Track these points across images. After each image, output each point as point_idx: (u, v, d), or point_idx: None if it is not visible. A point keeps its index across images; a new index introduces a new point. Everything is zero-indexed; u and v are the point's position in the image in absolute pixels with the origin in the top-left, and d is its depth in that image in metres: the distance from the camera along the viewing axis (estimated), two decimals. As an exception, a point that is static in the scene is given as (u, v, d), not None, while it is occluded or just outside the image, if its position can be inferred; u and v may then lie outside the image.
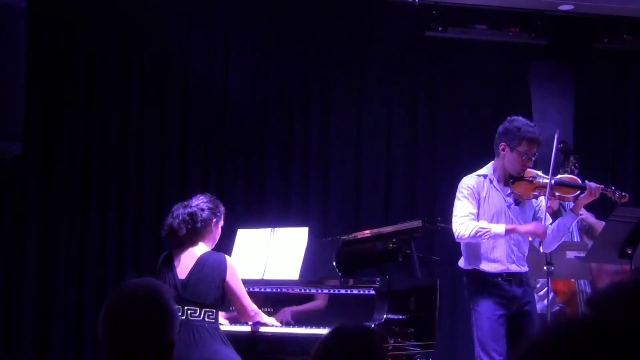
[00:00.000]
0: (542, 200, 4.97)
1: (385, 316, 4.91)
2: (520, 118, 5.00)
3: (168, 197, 7.05)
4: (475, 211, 4.89)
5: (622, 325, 1.08)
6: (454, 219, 4.91)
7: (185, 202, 4.90)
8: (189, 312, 4.71)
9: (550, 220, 5.07)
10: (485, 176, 4.98)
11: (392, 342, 4.92)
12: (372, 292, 4.99)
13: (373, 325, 4.78)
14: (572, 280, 6.04)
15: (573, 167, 6.13)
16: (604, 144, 8.13)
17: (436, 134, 7.84)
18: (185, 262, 4.83)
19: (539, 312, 5.35)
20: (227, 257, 4.87)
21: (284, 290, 5.30)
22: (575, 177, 5.37)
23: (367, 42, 7.74)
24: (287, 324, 5.16)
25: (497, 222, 4.89)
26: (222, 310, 5.04)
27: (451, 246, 5.31)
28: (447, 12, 7.51)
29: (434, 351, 5.26)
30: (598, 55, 7.98)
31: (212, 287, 4.75)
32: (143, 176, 7.15)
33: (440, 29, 7.51)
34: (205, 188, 6.14)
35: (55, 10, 6.96)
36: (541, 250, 5.18)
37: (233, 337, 4.88)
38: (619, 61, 8.05)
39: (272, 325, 5.04)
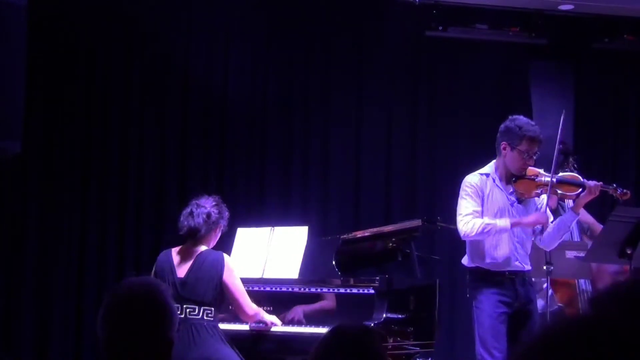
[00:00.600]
0: (544, 197, 4.96)
1: (384, 315, 4.91)
2: (521, 117, 5.00)
3: (168, 197, 7.07)
4: (479, 209, 4.88)
5: (622, 324, 1.08)
6: (458, 218, 4.90)
7: (196, 202, 4.91)
8: (187, 310, 4.72)
9: (552, 218, 5.06)
10: (487, 175, 4.97)
11: (391, 341, 4.92)
12: (372, 291, 4.99)
13: (372, 325, 4.78)
14: (573, 280, 6.03)
15: (572, 168, 6.13)
16: (604, 144, 8.12)
17: (436, 133, 7.83)
18: (184, 261, 4.84)
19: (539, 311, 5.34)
20: (225, 255, 4.88)
21: (283, 289, 5.30)
22: (576, 175, 5.35)
23: (367, 41, 7.73)
24: (299, 323, 5.15)
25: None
26: (223, 309, 5.03)
27: (451, 245, 5.32)
28: (448, 12, 7.50)
29: (433, 350, 5.26)
30: (598, 55, 7.97)
31: (210, 286, 4.75)
32: (143, 176, 7.14)
33: (440, 28, 7.50)
34: (205, 188, 6.14)
35: (55, 8, 6.95)
36: (539, 245, 5.12)
37: (235, 336, 4.88)
38: (619, 61, 8.04)
39: (272, 323, 5.04)
